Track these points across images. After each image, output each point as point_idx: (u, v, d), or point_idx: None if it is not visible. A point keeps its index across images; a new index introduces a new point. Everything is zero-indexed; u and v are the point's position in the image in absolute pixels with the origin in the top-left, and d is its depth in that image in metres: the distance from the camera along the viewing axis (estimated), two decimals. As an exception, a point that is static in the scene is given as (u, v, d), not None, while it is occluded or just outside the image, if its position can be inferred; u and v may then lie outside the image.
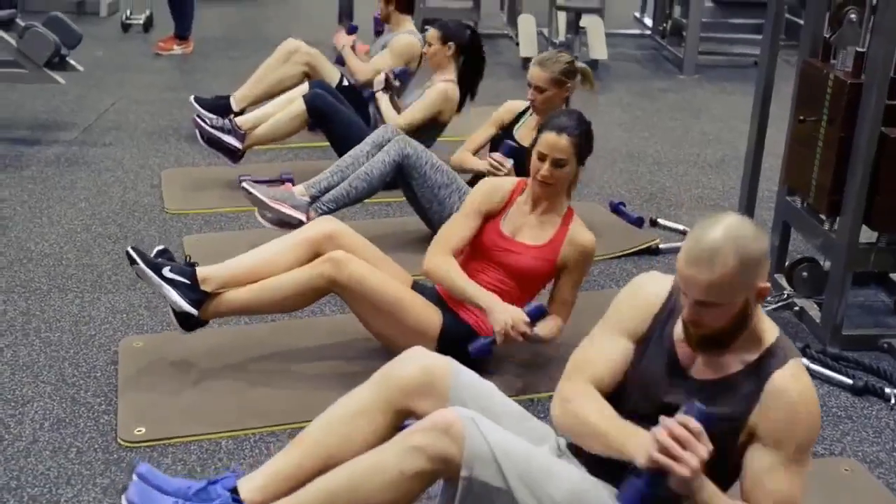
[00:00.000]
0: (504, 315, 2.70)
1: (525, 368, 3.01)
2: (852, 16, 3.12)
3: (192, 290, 2.78)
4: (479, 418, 1.91)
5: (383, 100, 4.46)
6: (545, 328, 2.85)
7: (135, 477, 2.10)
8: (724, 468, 1.89)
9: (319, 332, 3.19)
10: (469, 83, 4.39)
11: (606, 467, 1.95)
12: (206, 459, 2.53)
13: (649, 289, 2.05)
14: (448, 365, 2.13)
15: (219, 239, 3.96)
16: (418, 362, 2.13)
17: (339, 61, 5.02)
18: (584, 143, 2.86)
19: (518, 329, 2.68)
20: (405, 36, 4.86)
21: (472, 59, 4.35)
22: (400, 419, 2.11)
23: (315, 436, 2.11)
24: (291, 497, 1.98)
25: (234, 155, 4.47)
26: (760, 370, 1.89)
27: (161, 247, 2.91)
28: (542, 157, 2.83)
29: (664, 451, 1.73)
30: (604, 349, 2.03)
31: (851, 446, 2.76)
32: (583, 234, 2.91)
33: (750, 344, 1.91)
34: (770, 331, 1.93)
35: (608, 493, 1.95)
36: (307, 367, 2.98)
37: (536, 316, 2.74)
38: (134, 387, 2.83)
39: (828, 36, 3.30)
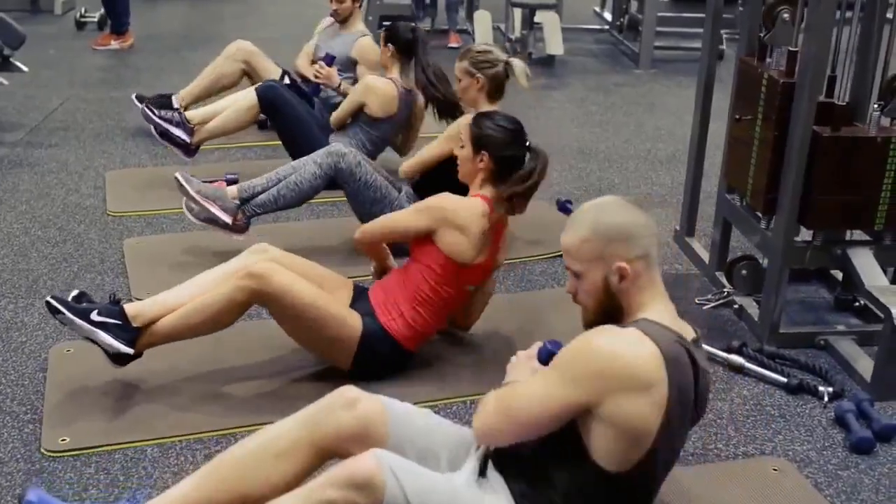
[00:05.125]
0: None
1: (457, 369, 3.01)
2: (785, 15, 3.12)
3: (124, 330, 2.70)
4: (399, 466, 1.87)
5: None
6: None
7: None
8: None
9: (247, 337, 3.12)
10: (424, 87, 4.10)
11: (529, 477, 1.99)
12: (130, 468, 2.50)
13: None
14: (383, 409, 2.09)
15: (159, 241, 3.91)
16: (354, 411, 2.06)
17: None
18: (480, 133, 2.93)
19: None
20: (363, 41, 4.73)
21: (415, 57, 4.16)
22: (325, 461, 2.07)
23: (230, 474, 2.05)
24: None
25: (187, 149, 4.43)
26: None
27: (76, 292, 2.80)
28: None
29: None
30: None
31: (783, 445, 2.76)
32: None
33: None
34: (650, 314, 1.97)
35: None
36: (233, 374, 2.94)
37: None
38: (61, 395, 2.79)
39: (762, 35, 3.30)
